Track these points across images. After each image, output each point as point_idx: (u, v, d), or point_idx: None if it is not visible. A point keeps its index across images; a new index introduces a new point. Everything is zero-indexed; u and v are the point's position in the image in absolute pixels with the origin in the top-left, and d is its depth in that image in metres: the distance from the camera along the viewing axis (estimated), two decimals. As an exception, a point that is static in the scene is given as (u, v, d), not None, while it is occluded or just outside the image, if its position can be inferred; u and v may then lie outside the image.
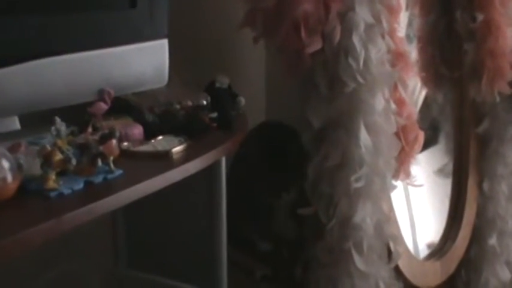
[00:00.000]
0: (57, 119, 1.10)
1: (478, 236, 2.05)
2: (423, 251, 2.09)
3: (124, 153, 1.15)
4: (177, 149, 1.21)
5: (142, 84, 1.36)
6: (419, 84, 2.02)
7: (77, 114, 1.22)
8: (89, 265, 1.58)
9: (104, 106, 1.25)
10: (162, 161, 1.18)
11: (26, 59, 1.15)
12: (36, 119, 1.24)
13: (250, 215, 1.76)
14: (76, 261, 1.54)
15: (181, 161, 1.17)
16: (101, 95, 1.26)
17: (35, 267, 1.42)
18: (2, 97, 1.14)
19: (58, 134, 1.09)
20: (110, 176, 1.07)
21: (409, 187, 1.95)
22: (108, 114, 1.26)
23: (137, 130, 1.27)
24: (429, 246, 2.12)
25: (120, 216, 1.60)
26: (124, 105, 1.37)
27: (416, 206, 2.09)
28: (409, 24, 1.95)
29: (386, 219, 1.61)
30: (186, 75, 1.55)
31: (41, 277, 1.47)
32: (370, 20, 1.49)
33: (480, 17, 1.86)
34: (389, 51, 1.56)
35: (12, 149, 1.04)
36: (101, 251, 1.63)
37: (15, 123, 1.23)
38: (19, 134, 1.19)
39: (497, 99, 1.92)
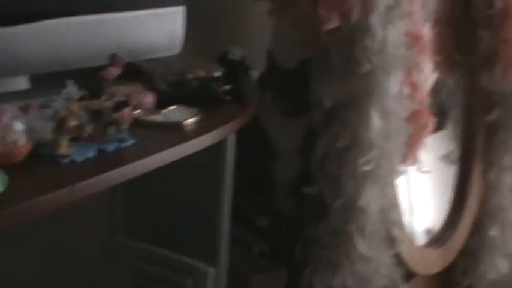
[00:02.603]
0: (69, 82, 1.07)
1: (479, 226, 2.03)
2: (420, 236, 2.08)
3: (136, 122, 1.12)
4: (190, 120, 1.18)
5: (156, 51, 1.33)
6: (430, 68, 1.98)
7: (87, 78, 1.18)
8: (82, 231, 1.55)
9: (115, 71, 1.21)
10: (175, 132, 1.15)
11: (41, 17, 1.12)
12: (46, 80, 1.21)
13: (250, 189, 1.74)
14: (69, 226, 1.51)
15: (194, 134, 1.15)
16: (113, 59, 1.23)
17: (26, 229, 1.39)
18: (13, 55, 1.12)
19: (69, 98, 1.06)
20: (122, 145, 1.04)
21: (411, 171, 1.93)
22: (119, 79, 1.23)
23: (149, 98, 1.24)
24: (426, 232, 2.11)
25: (119, 183, 1.56)
26: (135, 71, 1.33)
27: (417, 190, 2.08)
28: (425, 5, 1.90)
29: (391, 205, 1.60)
30: (199, 45, 1.52)
31: (31, 240, 1.44)
32: (390, 0, 1.46)
33: (498, 3, 1.82)
34: (407, 33, 1.53)
35: (23, 110, 1.01)
36: (96, 218, 1.60)
37: (25, 83, 1.20)
38: (28, 94, 1.16)
39: (509, 88, 1.89)
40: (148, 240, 1.50)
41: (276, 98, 1.65)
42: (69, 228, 1.51)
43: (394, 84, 1.49)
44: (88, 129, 0.99)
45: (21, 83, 1.19)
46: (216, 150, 1.36)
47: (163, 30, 1.31)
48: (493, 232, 2.02)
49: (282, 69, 1.67)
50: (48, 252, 1.49)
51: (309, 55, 1.55)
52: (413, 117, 1.60)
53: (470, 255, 2.05)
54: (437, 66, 1.94)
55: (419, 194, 2.07)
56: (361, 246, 1.53)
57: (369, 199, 1.53)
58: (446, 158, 2.08)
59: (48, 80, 1.20)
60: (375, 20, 1.44)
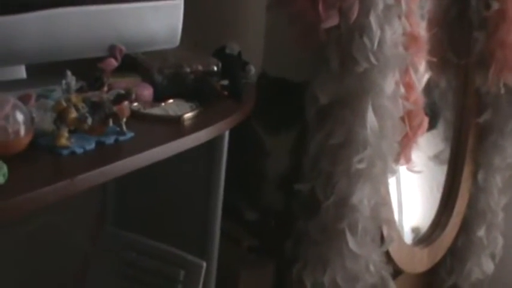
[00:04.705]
0: (68, 73, 1.06)
1: (466, 227, 2.05)
2: (407, 235, 2.10)
3: (134, 115, 1.11)
4: (189, 115, 1.18)
5: (154, 43, 1.32)
6: (423, 67, 1.99)
7: (83, 69, 1.17)
8: (73, 219, 1.54)
9: (114, 63, 1.21)
10: (173, 126, 1.14)
11: (40, 7, 1.11)
12: (42, 70, 1.20)
13: (239, 182, 1.73)
14: (60, 213, 1.50)
15: (193, 129, 1.14)
16: (112, 51, 1.22)
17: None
18: (11, 44, 1.10)
19: (68, 88, 1.05)
20: (121, 138, 1.03)
21: (401, 170, 1.95)
22: (116, 71, 1.22)
23: (147, 91, 1.23)
24: (413, 230, 2.12)
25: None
26: (133, 63, 1.33)
27: (405, 188, 2.09)
28: (421, 5, 1.91)
29: (382, 203, 1.60)
30: (196, 38, 1.51)
31: (21, 227, 1.43)
32: (389, 0, 1.46)
33: (495, 5, 1.83)
34: (404, 33, 1.53)
35: (22, 100, 1.00)
36: (88, 207, 1.59)
37: (22, 72, 1.19)
38: (25, 84, 1.15)
39: (502, 90, 1.91)
40: (138, 232, 1.50)
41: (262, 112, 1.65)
42: (60, 216, 1.50)
43: (390, 83, 1.50)
44: (90, 122, 0.98)
45: (17, 73, 1.18)
46: (210, 145, 1.36)
47: (163, 22, 1.30)
48: (480, 232, 2.04)
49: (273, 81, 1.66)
50: (38, 238, 1.48)
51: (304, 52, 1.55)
52: (407, 117, 1.61)
53: (457, 254, 2.07)
54: (430, 66, 1.95)
55: (408, 193, 2.09)
56: (353, 243, 1.54)
57: (362, 197, 1.53)
58: (436, 157, 2.09)
59: (44, 69, 1.19)
60: (373, 18, 1.44)
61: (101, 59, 1.20)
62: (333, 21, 1.42)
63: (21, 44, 1.12)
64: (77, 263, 1.51)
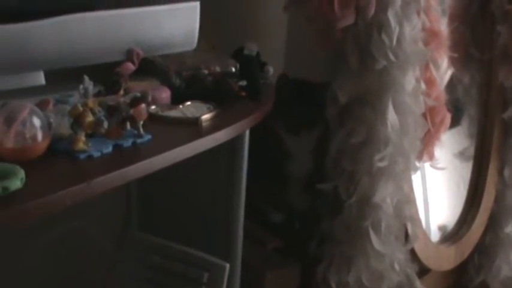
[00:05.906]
0: (86, 78, 1.07)
1: (494, 223, 2.02)
2: (434, 233, 2.08)
3: (152, 117, 1.12)
4: (206, 116, 1.18)
5: (172, 46, 1.32)
6: (445, 63, 1.97)
7: (102, 74, 1.18)
8: (97, 224, 1.56)
9: (131, 67, 1.22)
10: (191, 128, 1.15)
11: (56, 13, 1.12)
12: (60, 76, 1.21)
13: (263, 185, 1.73)
14: (84, 219, 1.51)
15: (210, 130, 1.14)
16: (129, 55, 1.23)
17: (43, 221, 1.40)
18: (29, 51, 1.12)
19: (86, 93, 1.06)
20: (139, 141, 1.04)
21: (426, 167, 1.93)
22: (134, 75, 1.23)
23: (165, 94, 1.24)
24: (440, 228, 2.10)
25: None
26: (151, 66, 1.33)
27: (431, 186, 2.07)
28: (441, 0, 1.89)
29: (406, 201, 1.59)
30: (213, 40, 1.51)
31: (47, 232, 1.45)
32: (407, -5, 1.45)
33: (518, -2, 1.81)
34: (423, 29, 1.52)
35: (40, 106, 1.01)
36: (112, 212, 1.61)
37: (41, 79, 1.20)
38: (44, 90, 1.16)
39: (527, 85, 1.89)
40: (162, 235, 1.51)
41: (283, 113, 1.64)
42: (85, 221, 1.51)
43: (410, 80, 1.49)
44: (106, 126, 0.98)
45: (37, 79, 1.19)
46: (230, 146, 1.36)
47: (179, 25, 1.30)
48: (508, 229, 2.01)
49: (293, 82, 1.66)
50: (64, 244, 1.50)
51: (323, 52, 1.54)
52: (429, 114, 1.59)
53: (485, 252, 2.04)
54: (453, 62, 1.93)
55: (434, 191, 2.06)
56: (376, 242, 1.53)
57: (384, 195, 1.52)
58: (461, 154, 2.07)
59: (62, 75, 1.20)
60: (392, 15, 1.43)
61: (118, 63, 1.21)
62: (348, 20, 1.42)
63: (39, 50, 1.13)
64: (102, 266, 1.53)
